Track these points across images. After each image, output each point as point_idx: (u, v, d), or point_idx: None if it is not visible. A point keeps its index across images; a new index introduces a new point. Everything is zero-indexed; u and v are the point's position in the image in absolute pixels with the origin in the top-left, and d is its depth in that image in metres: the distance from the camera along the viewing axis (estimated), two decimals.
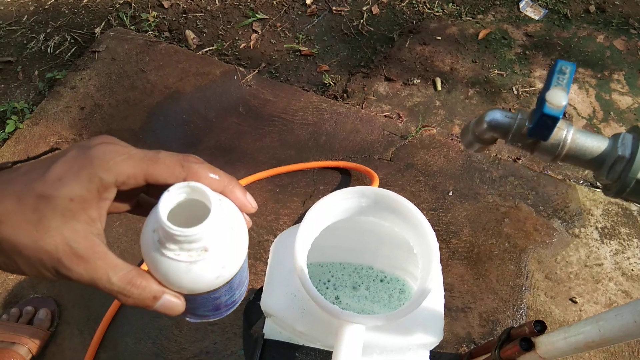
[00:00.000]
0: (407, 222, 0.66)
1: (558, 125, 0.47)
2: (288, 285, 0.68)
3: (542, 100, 0.43)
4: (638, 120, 1.64)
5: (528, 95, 1.69)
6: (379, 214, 0.70)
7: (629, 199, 0.49)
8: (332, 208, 0.68)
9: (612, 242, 1.40)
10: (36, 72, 1.76)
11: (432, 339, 0.67)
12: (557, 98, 0.41)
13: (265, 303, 0.69)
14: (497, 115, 0.49)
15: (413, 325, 0.65)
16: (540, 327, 0.75)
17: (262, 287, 1.20)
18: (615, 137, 0.50)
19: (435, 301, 0.69)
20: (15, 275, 1.34)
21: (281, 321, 0.69)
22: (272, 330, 0.75)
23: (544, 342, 0.72)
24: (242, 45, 1.81)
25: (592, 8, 1.93)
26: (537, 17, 1.90)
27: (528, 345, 0.75)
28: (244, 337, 1.19)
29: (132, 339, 1.27)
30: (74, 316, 1.30)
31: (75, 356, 1.24)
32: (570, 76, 0.41)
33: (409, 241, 0.71)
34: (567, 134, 0.49)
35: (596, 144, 0.49)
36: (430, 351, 0.74)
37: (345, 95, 1.69)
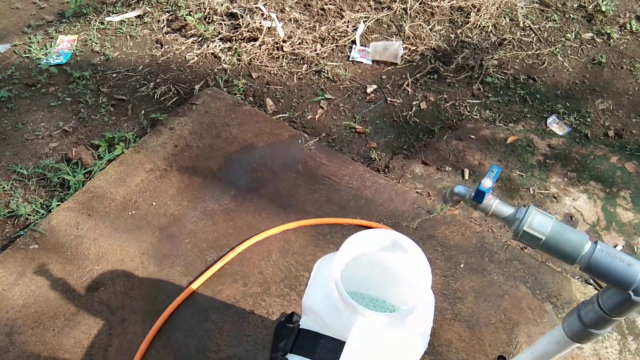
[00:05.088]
0: (412, 257, 0.96)
1: (487, 197, 0.83)
2: (323, 288, 0.98)
3: (479, 183, 0.78)
4: (636, 233, 1.89)
5: (542, 196, 1.98)
6: (394, 252, 1.01)
7: (522, 241, 0.84)
8: (362, 241, 0.99)
9: None
10: (143, 112, 2.19)
11: (422, 346, 0.94)
12: (486, 183, 0.76)
13: (307, 300, 0.99)
14: (460, 188, 0.83)
15: (409, 330, 0.93)
16: None
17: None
18: (518, 208, 0.86)
19: (426, 319, 0.97)
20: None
21: (315, 314, 0.98)
22: (305, 324, 1.04)
23: None
24: (309, 117, 2.20)
25: (611, 133, 2.23)
26: (561, 133, 2.21)
27: None
28: (271, 350, 1.46)
29: (182, 334, 1.56)
30: (139, 307, 1.61)
31: (135, 339, 1.54)
32: (496, 174, 0.75)
33: (412, 276, 1.01)
34: (492, 202, 0.86)
35: (507, 210, 0.86)
36: None
37: (386, 169, 2.02)
